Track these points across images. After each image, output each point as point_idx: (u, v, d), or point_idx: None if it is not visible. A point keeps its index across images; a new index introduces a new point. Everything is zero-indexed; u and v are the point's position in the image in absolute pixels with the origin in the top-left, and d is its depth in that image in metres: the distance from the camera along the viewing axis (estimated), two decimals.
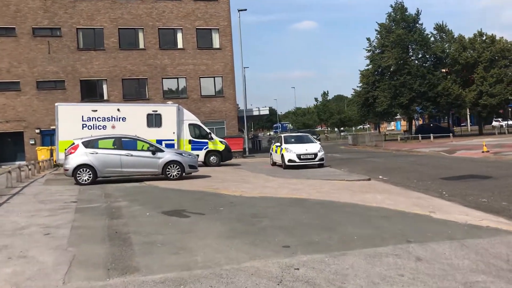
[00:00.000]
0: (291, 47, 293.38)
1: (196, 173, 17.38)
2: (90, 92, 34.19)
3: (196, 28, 35.94)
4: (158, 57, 35.26)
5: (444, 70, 52.55)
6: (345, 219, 8.24)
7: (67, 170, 15.82)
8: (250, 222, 8.09)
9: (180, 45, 35.86)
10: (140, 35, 35.09)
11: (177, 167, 16.24)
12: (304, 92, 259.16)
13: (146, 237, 7.26)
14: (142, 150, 16.26)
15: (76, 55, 33.64)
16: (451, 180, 14.35)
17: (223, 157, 24.41)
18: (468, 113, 66.34)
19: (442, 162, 20.88)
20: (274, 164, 23.75)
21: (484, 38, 49.69)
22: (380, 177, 16.55)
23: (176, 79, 35.81)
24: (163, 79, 35.47)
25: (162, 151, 16.27)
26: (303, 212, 8.96)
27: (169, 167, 16.17)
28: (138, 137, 16.88)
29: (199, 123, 24.62)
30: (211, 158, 24.11)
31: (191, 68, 35.86)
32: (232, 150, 32.43)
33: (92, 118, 22.49)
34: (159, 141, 22.68)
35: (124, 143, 16.30)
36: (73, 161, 15.71)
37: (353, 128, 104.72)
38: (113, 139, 16.36)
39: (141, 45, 35.10)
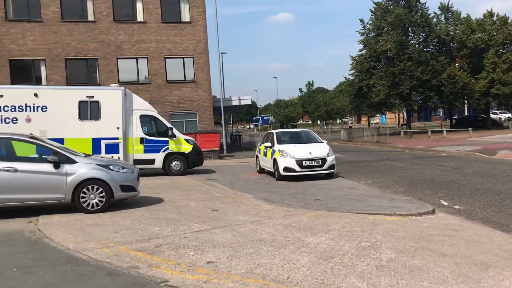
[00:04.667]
0: (268, 40, 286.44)
1: (139, 195, 10.46)
2: (24, 75, 26.67)
3: None
4: (111, 32, 27.91)
5: (443, 58, 46.19)
6: None
7: None
8: None
9: (140, 17, 28.54)
10: (89, 3, 27.65)
11: (100, 190, 9.28)
12: (283, 85, 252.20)
13: None
14: (38, 159, 9.25)
15: (3, 27, 26.04)
16: None
17: (191, 162, 17.47)
18: (466, 105, 60.58)
19: (507, 171, 14.40)
20: (261, 171, 17.06)
21: (494, 19, 43.60)
22: (445, 203, 9.92)
23: (135, 60, 28.48)
24: (119, 60, 28.12)
25: (72, 161, 9.25)
26: None
27: (85, 190, 9.20)
28: (32, 136, 9.81)
29: (155, 114, 17.56)
30: (173, 163, 17.14)
31: (154, 46, 28.62)
32: (206, 149, 25.74)
33: None
34: (97, 141, 15.95)
35: (7, 147, 9.27)
36: None
37: (338, 121, 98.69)
38: None
39: (90, 16, 27.66)
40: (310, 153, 14.53)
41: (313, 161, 14.37)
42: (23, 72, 26.92)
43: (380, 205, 9.53)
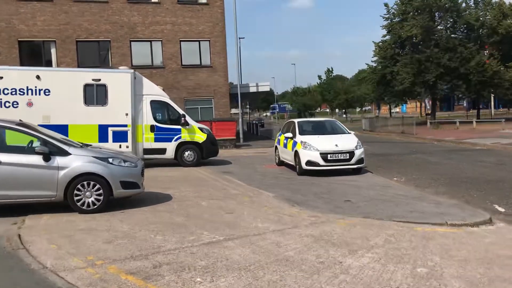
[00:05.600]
0: (286, 26, 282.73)
1: (145, 191, 9.17)
2: (33, 57, 25.56)
3: None
4: (125, 13, 26.60)
5: (472, 45, 43.55)
6: None
7: None
8: None
9: None
10: None
11: (96, 187, 8.00)
12: (300, 72, 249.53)
13: None
14: (26, 150, 8.02)
15: (12, 6, 24.89)
16: None
17: (205, 153, 16.13)
18: (492, 95, 57.99)
19: None
20: (281, 163, 15.66)
21: None
22: (501, 209, 8.42)
23: (149, 43, 27.17)
24: (132, 42, 26.84)
25: (65, 153, 7.96)
26: None
27: (79, 187, 7.92)
28: (21, 122, 8.53)
29: (167, 100, 16.21)
30: (186, 153, 15.82)
31: (169, 28, 27.26)
32: (222, 138, 24.45)
33: None
34: (104, 128, 14.75)
35: None
36: None
37: (357, 110, 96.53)
38: None
39: None
40: (336, 145, 13.05)
41: (339, 155, 12.91)
42: (33, 54, 25.84)
43: (424, 210, 8.07)
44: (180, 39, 27.46)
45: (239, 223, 7.15)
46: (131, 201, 8.85)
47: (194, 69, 27.81)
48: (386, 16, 46.13)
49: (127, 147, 14.98)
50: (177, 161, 15.90)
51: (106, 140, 14.75)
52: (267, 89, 33.76)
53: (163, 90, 18.72)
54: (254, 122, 47.83)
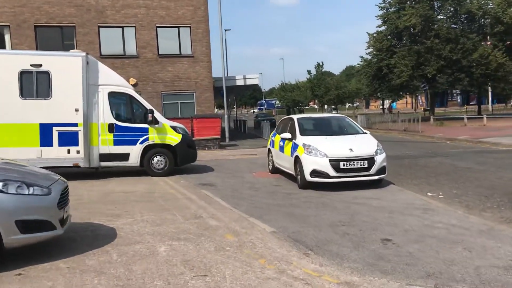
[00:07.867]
0: (271, 23, 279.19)
1: (73, 222, 5.86)
2: None
3: None
4: None
5: (475, 35, 40.61)
6: None
7: None
8: None
9: None
10: None
11: None
12: (286, 69, 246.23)
13: None
14: None
15: None
16: None
17: (179, 158, 12.74)
18: (489, 90, 55.30)
19: None
20: (275, 171, 12.47)
21: None
22: None
23: (120, 29, 23.69)
24: (100, 28, 23.34)
25: None
26: None
27: None
28: None
29: (130, 91, 12.73)
30: (155, 160, 12.44)
31: (143, 12, 23.82)
32: (204, 137, 21.29)
33: None
34: (47, 128, 11.44)
35: None
36: None
37: (347, 106, 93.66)
38: None
39: None
40: (351, 149, 9.83)
41: (355, 162, 9.70)
42: None
43: None
44: (156, 25, 24.07)
45: None
46: (45, 246, 5.52)
47: (173, 59, 24.43)
48: (382, 5, 43.20)
49: (78, 152, 11.66)
50: (144, 169, 12.56)
51: (50, 144, 11.46)
52: (256, 82, 30.41)
53: (136, 83, 15.39)
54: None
